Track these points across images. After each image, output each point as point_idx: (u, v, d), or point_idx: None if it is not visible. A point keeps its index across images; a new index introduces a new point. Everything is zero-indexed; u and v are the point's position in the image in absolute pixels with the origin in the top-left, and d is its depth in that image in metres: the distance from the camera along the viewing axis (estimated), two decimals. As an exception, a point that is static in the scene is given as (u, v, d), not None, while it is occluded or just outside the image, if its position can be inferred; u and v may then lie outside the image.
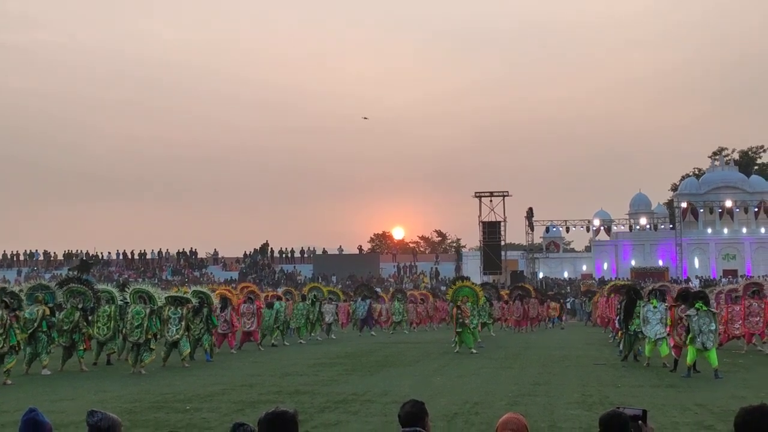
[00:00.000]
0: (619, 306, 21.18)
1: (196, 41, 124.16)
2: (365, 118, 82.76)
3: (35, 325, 17.61)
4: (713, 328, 16.18)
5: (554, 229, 71.06)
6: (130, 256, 72.09)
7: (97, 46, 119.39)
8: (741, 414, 3.91)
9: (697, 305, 16.32)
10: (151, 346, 18.35)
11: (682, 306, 17.20)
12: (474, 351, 22.52)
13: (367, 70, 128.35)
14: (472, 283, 29.42)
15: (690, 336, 16.22)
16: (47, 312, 18.05)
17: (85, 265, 27.59)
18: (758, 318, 21.95)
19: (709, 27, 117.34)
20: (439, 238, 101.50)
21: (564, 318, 46.12)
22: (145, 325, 18.22)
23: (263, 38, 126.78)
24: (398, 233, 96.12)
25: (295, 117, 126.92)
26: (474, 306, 25.38)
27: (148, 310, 18.47)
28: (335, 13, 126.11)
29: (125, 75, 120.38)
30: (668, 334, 17.77)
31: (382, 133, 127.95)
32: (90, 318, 19.75)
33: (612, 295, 28.89)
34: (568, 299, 53.37)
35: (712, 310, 16.75)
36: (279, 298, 29.02)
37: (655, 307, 18.27)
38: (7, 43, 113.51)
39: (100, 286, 22.09)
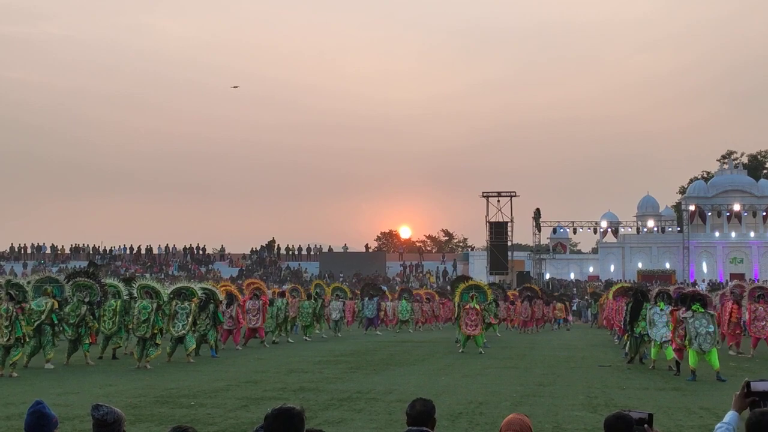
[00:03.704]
0: (625, 308, 21.12)
1: (204, 38, 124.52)
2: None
3: (42, 317, 17.57)
4: (711, 330, 16.06)
5: (561, 230, 70.96)
6: (137, 251, 72.27)
7: (108, 39, 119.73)
8: (753, 416, 3.89)
9: (693, 307, 16.22)
10: (157, 342, 18.40)
11: (683, 309, 17.09)
12: (481, 351, 22.53)
13: (376, 68, 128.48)
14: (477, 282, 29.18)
15: (687, 338, 16.14)
16: (56, 305, 18.04)
17: (93, 265, 27.63)
18: (764, 322, 21.87)
19: (718, 30, 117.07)
20: (446, 238, 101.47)
21: (569, 319, 46.09)
22: (151, 320, 18.27)
23: (271, 37, 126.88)
24: (405, 232, 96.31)
25: (302, 114, 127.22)
26: (482, 300, 24.57)
27: (155, 305, 18.52)
28: (342, 13, 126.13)
29: (134, 69, 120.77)
30: (669, 338, 17.66)
31: (389, 132, 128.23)
32: (96, 312, 19.79)
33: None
34: (574, 301, 53.31)
35: (710, 312, 16.59)
36: (283, 295, 29.02)
37: (662, 309, 18.17)
38: (12, 35, 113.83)
39: (107, 281, 22.10)
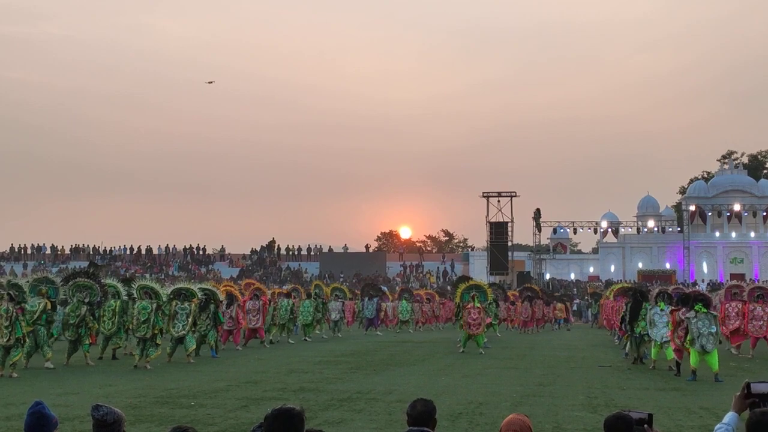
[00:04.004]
0: (624, 308, 21.14)
1: (204, 38, 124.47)
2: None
3: (35, 317, 17.52)
4: (713, 330, 16.07)
5: (561, 230, 70.93)
6: (137, 251, 72.24)
7: (108, 39, 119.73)
8: (753, 416, 3.88)
9: (696, 307, 16.22)
10: (157, 342, 18.39)
11: (683, 309, 17.07)
12: (481, 351, 22.53)
13: (376, 68, 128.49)
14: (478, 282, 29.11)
15: (689, 338, 16.13)
16: (48, 306, 18.01)
17: (93, 265, 27.66)
18: (762, 322, 21.91)
19: (718, 30, 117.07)
20: (446, 238, 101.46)
21: (570, 319, 46.09)
22: (151, 320, 18.26)
23: (271, 37, 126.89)
24: (405, 232, 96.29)
25: (302, 114, 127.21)
26: (483, 300, 24.50)
27: (154, 306, 18.51)
28: (342, 13, 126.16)
29: (134, 69, 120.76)
30: (669, 339, 17.64)
31: (389, 131, 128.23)
32: (96, 312, 19.78)
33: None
34: (574, 301, 53.29)
35: (712, 312, 16.60)
36: (288, 296, 29.04)
37: (662, 309, 18.16)
38: (12, 35, 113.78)
39: (106, 281, 22.08)
